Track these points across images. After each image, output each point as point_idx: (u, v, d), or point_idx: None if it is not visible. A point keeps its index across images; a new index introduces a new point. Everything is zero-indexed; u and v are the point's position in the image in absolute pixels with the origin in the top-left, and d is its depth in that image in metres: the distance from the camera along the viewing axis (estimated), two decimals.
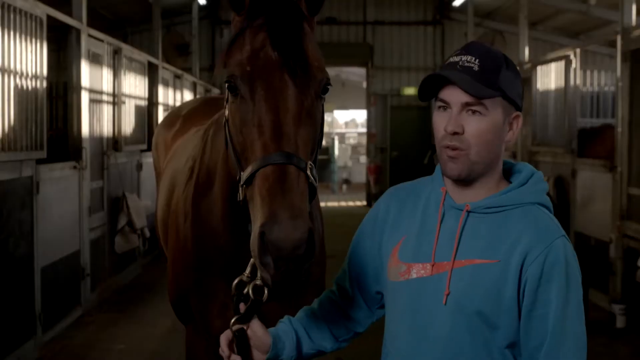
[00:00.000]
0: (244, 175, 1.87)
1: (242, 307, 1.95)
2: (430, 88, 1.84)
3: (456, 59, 1.81)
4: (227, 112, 2.08)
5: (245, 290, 1.98)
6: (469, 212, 1.82)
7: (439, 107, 1.82)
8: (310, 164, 1.87)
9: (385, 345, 1.96)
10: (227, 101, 2.07)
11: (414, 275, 1.85)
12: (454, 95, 1.77)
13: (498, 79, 1.77)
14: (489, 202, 1.82)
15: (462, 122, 1.76)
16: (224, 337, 1.93)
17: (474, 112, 1.76)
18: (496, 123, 1.78)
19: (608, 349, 5.87)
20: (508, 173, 1.92)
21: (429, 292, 1.81)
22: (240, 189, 1.92)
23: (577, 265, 1.77)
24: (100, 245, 7.32)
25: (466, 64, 1.77)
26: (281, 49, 1.91)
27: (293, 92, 1.89)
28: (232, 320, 1.92)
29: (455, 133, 1.76)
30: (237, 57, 1.96)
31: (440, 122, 1.80)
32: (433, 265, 1.82)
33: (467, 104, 1.76)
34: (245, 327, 1.92)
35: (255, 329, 1.93)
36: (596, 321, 6.36)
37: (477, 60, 1.77)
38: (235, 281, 2.02)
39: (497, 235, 1.78)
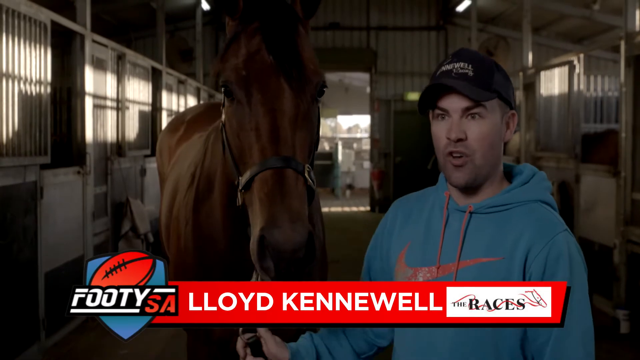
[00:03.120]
0: (243, 180, 1.87)
1: None
2: (427, 98, 1.85)
3: (449, 67, 1.82)
4: (223, 117, 2.07)
5: None
6: (471, 212, 1.84)
7: (438, 115, 1.83)
8: (308, 167, 1.88)
9: (395, 349, 1.98)
10: (223, 106, 2.07)
11: (420, 279, 1.86)
12: (453, 102, 1.79)
13: (493, 81, 1.80)
14: (491, 201, 1.84)
15: (464, 128, 1.79)
16: (240, 341, 1.89)
17: (473, 116, 1.79)
18: (496, 124, 1.81)
19: (612, 354, 5.85)
20: (509, 175, 1.94)
21: None
22: (239, 194, 1.91)
23: (582, 258, 1.78)
24: (104, 251, 7.31)
25: (460, 71, 1.80)
26: (276, 52, 1.91)
27: (289, 95, 1.89)
28: (240, 329, 1.85)
29: (459, 140, 1.78)
30: (233, 61, 1.96)
31: (441, 131, 1.82)
32: (438, 268, 1.84)
33: (466, 109, 1.78)
34: (257, 336, 1.86)
35: (269, 345, 1.87)
36: (600, 327, 6.33)
37: (470, 66, 1.80)
38: None
39: (500, 233, 1.80)
